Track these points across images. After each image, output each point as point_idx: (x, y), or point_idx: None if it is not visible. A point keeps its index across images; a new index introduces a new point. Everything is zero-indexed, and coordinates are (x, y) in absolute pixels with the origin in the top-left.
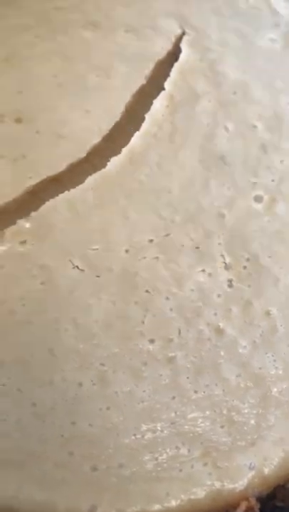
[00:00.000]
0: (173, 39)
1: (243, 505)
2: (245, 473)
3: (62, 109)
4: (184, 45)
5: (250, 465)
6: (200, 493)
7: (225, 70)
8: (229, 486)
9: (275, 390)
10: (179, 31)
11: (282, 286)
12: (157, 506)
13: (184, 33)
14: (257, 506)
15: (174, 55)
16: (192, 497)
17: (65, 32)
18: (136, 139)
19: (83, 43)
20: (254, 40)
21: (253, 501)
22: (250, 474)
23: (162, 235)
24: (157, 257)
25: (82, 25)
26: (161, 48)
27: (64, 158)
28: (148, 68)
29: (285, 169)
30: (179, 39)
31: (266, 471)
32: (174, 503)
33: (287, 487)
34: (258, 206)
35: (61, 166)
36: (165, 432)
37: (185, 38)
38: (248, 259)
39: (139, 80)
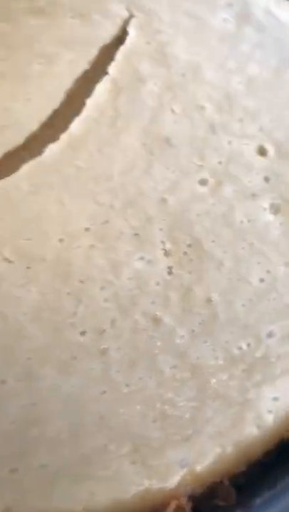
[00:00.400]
0: (120, 23)
1: (173, 504)
2: (176, 471)
3: (2, 98)
4: (131, 29)
5: (182, 462)
6: (127, 493)
7: (175, 52)
8: (158, 484)
9: (214, 380)
10: (126, 14)
11: (225, 270)
12: (81, 506)
13: (132, 16)
14: (189, 506)
15: (120, 39)
16: (118, 496)
17: (8, 19)
18: (75, 124)
19: (28, 30)
20: (207, 21)
21: (184, 500)
22: (182, 472)
23: (100, 222)
24: (93, 245)
25: (27, 12)
26: (108, 33)
27: (1, 147)
28: (92, 53)
29: (233, 150)
30: (127, 22)
31: (199, 467)
32: (98, 503)
33: (226, 484)
34: (203, 189)
35: None
36: (93, 428)
37: (133, 21)
38: (189, 245)
39: (83, 66)
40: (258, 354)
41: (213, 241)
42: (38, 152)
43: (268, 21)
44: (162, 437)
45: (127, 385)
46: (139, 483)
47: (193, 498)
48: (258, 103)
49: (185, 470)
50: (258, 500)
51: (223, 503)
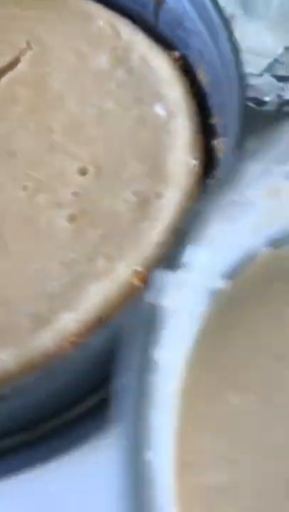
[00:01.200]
0: (16, 53)
1: None
2: None
3: None
4: (24, 58)
5: None
6: None
7: (52, 82)
8: None
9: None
10: (24, 46)
11: (12, 259)
12: None
13: (29, 48)
14: None
15: (12, 66)
16: None
17: None
18: None
19: None
20: (89, 60)
21: None
22: None
23: None
24: None
25: None
26: (2, 61)
27: None
28: None
29: (61, 167)
30: (23, 53)
31: None
32: None
33: None
34: (23, 194)
35: None
36: None
37: (29, 52)
38: None
39: None
40: None
41: (14, 235)
42: None
43: (140, 66)
44: None
45: None
46: None
47: None
48: (100, 133)
49: None
50: None
51: None
